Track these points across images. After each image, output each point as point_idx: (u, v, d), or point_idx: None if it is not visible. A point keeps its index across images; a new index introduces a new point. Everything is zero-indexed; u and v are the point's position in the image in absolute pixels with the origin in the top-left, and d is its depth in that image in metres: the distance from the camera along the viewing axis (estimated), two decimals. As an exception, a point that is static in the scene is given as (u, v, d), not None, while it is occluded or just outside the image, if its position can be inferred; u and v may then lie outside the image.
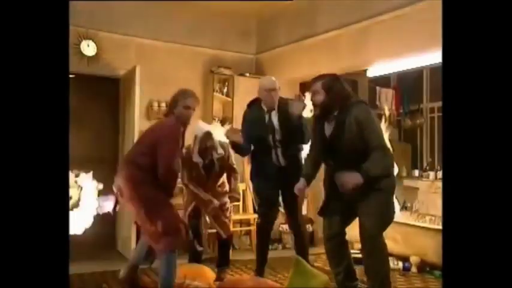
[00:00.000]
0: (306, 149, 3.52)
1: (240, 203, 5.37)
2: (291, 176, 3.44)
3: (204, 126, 4.07)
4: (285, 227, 5.23)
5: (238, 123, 5.69)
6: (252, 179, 3.91)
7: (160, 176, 2.97)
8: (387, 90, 6.71)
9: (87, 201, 3.91)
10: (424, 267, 4.26)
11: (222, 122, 5.69)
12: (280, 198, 3.76)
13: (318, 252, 4.94)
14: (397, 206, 3.70)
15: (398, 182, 3.78)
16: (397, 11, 4.35)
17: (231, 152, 4.01)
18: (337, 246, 3.10)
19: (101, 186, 4.01)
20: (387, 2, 4.46)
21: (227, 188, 4.14)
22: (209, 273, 3.65)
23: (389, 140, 3.59)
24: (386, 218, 2.96)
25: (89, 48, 5.08)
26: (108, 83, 5.41)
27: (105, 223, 5.02)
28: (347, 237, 3.14)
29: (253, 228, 5.12)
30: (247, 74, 6.04)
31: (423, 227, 4.41)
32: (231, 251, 4.26)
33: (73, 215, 3.80)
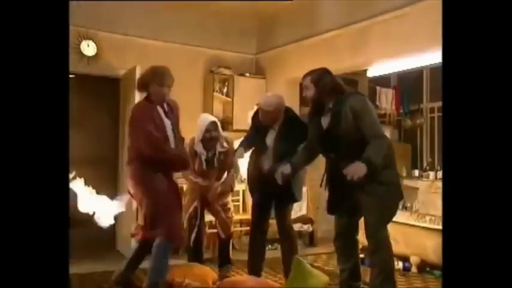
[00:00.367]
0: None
1: (240, 203, 5.38)
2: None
3: (209, 117, 4.06)
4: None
5: (238, 123, 5.73)
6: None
7: (146, 158, 2.96)
8: (387, 90, 6.72)
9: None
10: (424, 267, 4.26)
11: (222, 123, 5.69)
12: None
13: (318, 252, 4.95)
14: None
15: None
16: (397, 11, 4.35)
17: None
18: (346, 243, 3.12)
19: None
20: (387, 2, 4.46)
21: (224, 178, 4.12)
22: (210, 273, 3.64)
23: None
24: (389, 212, 2.96)
25: (89, 48, 5.08)
26: (108, 83, 5.40)
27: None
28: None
29: (253, 228, 5.13)
30: (247, 74, 6.05)
31: (423, 227, 4.41)
32: (231, 250, 4.26)
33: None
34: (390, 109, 6.74)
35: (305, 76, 3.08)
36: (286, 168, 3.17)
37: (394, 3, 4.39)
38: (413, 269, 4.28)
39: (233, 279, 3.72)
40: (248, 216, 5.23)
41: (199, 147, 3.89)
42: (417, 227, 4.43)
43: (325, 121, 3.00)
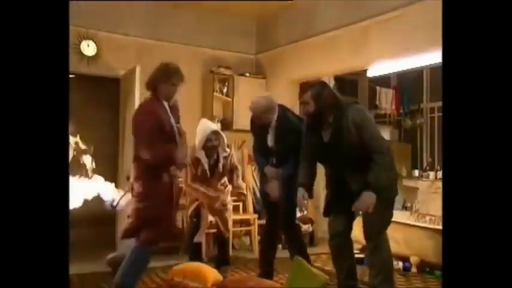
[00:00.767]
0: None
1: (240, 203, 5.37)
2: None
3: (211, 125, 4.06)
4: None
5: (238, 123, 5.74)
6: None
7: (148, 160, 2.87)
8: (387, 90, 6.72)
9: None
10: (424, 267, 4.26)
11: (222, 123, 5.70)
12: None
13: (318, 252, 4.94)
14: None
15: (398, 182, 3.78)
16: (397, 11, 4.36)
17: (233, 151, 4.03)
18: (341, 245, 3.12)
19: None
20: (387, 2, 4.46)
21: (229, 187, 4.14)
22: (210, 272, 3.63)
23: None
24: (388, 212, 2.98)
25: (89, 48, 5.09)
26: (108, 83, 5.41)
27: (105, 223, 5.04)
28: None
29: (253, 228, 5.13)
30: (247, 74, 6.05)
31: (423, 227, 4.41)
32: (231, 250, 4.27)
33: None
34: (390, 109, 6.75)
35: (303, 92, 3.03)
36: (304, 196, 3.11)
37: (394, 3, 4.39)
38: (413, 269, 4.28)
39: (233, 279, 3.72)
40: (248, 216, 5.25)
41: (201, 155, 3.89)
42: (417, 227, 4.43)
43: (326, 135, 2.99)
